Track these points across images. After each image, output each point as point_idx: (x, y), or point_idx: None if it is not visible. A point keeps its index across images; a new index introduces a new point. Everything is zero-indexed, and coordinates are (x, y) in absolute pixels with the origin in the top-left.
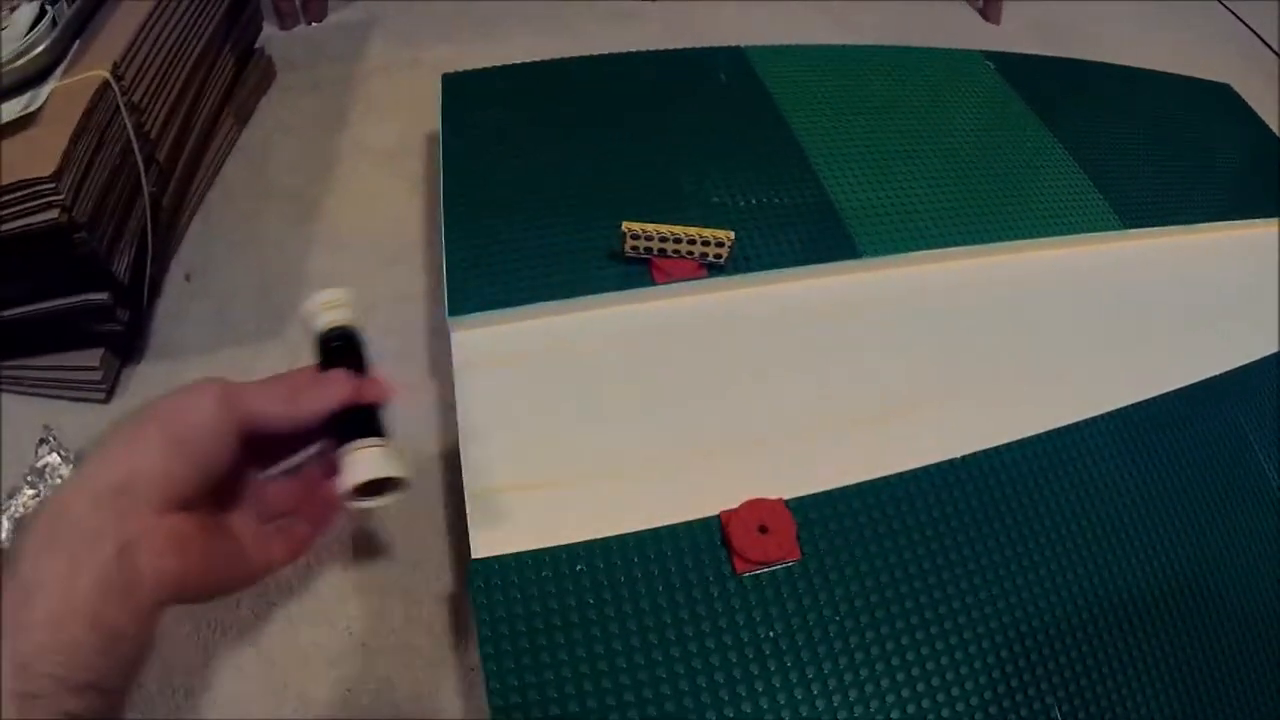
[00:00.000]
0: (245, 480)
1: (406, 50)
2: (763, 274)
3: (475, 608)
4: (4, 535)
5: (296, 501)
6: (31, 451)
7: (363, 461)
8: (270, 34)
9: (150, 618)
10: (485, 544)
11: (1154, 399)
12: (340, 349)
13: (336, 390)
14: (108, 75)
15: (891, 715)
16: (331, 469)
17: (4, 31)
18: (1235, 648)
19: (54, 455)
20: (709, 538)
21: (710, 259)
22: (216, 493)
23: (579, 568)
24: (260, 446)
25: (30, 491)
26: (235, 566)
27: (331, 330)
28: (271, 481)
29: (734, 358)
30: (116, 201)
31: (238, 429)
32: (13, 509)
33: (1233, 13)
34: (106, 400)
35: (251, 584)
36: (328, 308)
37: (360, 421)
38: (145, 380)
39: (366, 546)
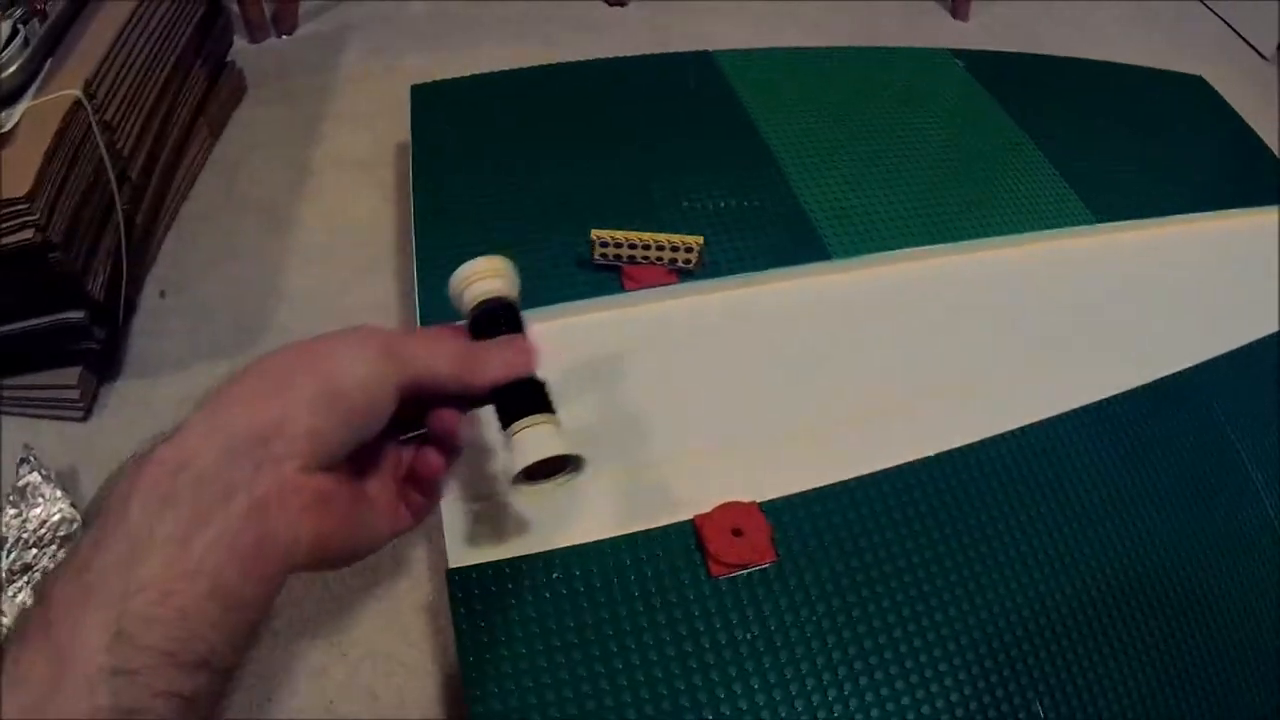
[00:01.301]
0: (385, 439)
1: (377, 60)
2: (733, 278)
3: (454, 616)
4: None
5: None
6: (12, 470)
7: (538, 439)
8: (240, 47)
9: (277, 586)
10: (461, 553)
11: (1129, 392)
12: (497, 320)
13: (522, 359)
14: (79, 94)
15: (871, 714)
16: (441, 436)
17: None
18: (1216, 641)
19: (35, 474)
20: (684, 541)
21: (680, 264)
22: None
23: (555, 574)
24: (413, 408)
25: (12, 511)
26: (370, 531)
27: (488, 301)
28: (407, 444)
29: (705, 362)
30: (90, 220)
31: (400, 389)
32: None
33: (1205, 4)
34: (84, 418)
35: (377, 549)
36: (481, 277)
37: (528, 396)
38: (123, 397)
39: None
